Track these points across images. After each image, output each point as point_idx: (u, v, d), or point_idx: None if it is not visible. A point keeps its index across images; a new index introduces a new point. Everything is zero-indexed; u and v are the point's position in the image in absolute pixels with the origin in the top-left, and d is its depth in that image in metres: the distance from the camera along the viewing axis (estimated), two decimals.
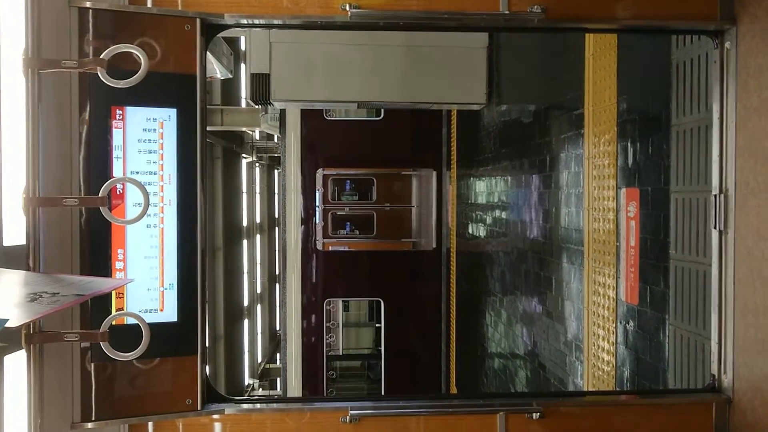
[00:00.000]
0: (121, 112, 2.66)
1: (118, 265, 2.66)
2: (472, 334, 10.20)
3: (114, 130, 2.65)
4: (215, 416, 2.89)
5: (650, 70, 4.63)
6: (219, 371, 18.18)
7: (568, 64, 6.03)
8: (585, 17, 3.03)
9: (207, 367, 2.88)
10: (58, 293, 1.99)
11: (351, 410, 2.91)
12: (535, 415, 2.94)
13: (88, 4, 2.59)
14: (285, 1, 2.89)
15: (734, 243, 2.94)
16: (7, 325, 1.71)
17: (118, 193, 2.62)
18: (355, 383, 16.77)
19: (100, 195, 2.34)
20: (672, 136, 4.24)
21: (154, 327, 2.36)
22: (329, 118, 12.36)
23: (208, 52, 2.94)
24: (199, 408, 2.81)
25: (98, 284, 2.22)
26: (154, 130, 2.70)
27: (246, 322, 22.04)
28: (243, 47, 14.79)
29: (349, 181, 13.88)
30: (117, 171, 2.64)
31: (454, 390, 11.76)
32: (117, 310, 2.64)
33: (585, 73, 5.63)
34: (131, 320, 2.46)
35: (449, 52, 9.26)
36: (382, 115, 12.43)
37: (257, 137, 21.38)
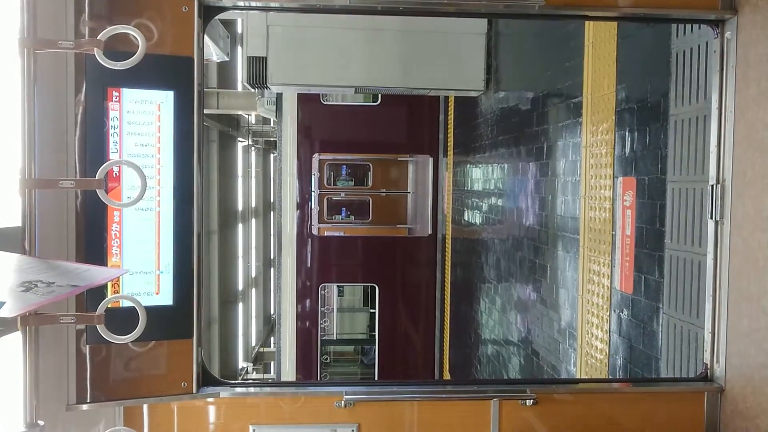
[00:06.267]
0: (117, 93, 2.63)
1: (114, 248, 2.65)
2: (467, 320, 10.25)
3: (110, 111, 2.63)
4: (210, 399, 2.90)
5: (650, 59, 4.61)
6: (213, 354, 18.24)
7: (568, 52, 6.01)
8: (585, 4, 3.02)
9: (202, 351, 2.88)
10: (54, 283, 1.98)
11: (346, 395, 2.92)
12: (529, 402, 2.95)
13: None
14: None
15: (730, 233, 2.95)
16: (2, 315, 1.71)
17: (114, 175, 2.60)
18: (348, 368, 16.85)
19: (96, 177, 2.33)
20: (670, 126, 4.23)
21: (150, 310, 2.36)
22: (326, 103, 12.31)
23: (205, 35, 2.91)
24: (194, 391, 2.82)
25: (94, 274, 2.21)
26: (151, 112, 2.69)
27: (240, 305, 22.09)
28: (240, 30, 14.69)
29: (345, 167, 13.86)
30: (113, 153, 2.63)
31: (447, 376, 11.83)
32: (113, 293, 2.63)
33: (584, 61, 5.62)
34: (127, 303, 2.45)
35: (448, 37, 9.22)
36: (379, 101, 12.38)
37: (253, 121, 21.30)
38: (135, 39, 2.33)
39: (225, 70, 18.13)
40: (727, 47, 2.99)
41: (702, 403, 3.02)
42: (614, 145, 5.04)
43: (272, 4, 2.96)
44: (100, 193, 2.33)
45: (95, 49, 2.31)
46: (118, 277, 2.67)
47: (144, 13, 2.66)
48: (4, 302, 1.71)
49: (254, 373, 22.21)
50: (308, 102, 12.08)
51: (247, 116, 20.53)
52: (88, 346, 2.63)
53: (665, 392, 3.11)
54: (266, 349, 23.78)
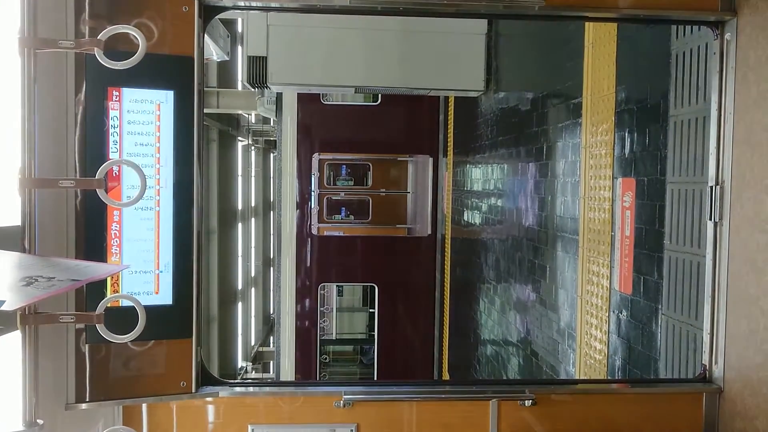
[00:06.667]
0: (117, 93, 2.64)
1: (114, 247, 2.65)
2: (466, 320, 10.25)
3: (110, 111, 2.63)
4: (209, 399, 2.90)
5: (649, 60, 4.62)
6: (212, 353, 18.24)
7: (568, 53, 6.01)
8: (585, 5, 3.02)
9: (201, 350, 2.89)
10: (54, 278, 1.98)
11: (345, 395, 2.92)
12: (528, 402, 2.96)
13: None
14: None
15: (729, 234, 2.95)
16: (3, 309, 1.70)
17: (114, 175, 2.60)
18: (347, 368, 16.86)
19: (96, 177, 2.33)
20: (670, 127, 4.24)
21: (149, 309, 2.36)
22: (326, 103, 12.31)
23: (205, 34, 2.91)
24: (193, 391, 2.82)
25: (94, 270, 2.21)
26: (151, 112, 2.69)
27: (240, 305, 22.09)
28: (240, 29, 14.69)
29: (345, 166, 13.86)
30: (113, 153, 2.63)
31: (446, 376, 11.83)
32: (112, 293, 2.64)
33: (584, 62, 5.62)
34: (126, 302, 2.46)
35: (448, 38, 9.22)
36: (379, 101, 12.38)
37: (253, 120, 21.30)
38: (135, 39, 2.33)
39: (225, 70, 18.13)
40: (726, 49, 2.99)
41: (701, 404, 3.03)
42: (614, 146, 5.04)
43: (272, 4, 2.96)
44: (100, 192, 2.33)
45: (95, 48, 2.31)
46: (118, 277, 2.67)
47: (144, 12, 2.66)
48: (4, 301, 1.71)
49: (253, 372, 22.21)
50: (308, 102, 12.08)
51: (247, 116, 20.53)
52: (87, 346, 2.63)
53: (664, 393, 3.11)
54: (265, 349, 23.78)
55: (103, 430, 2.75)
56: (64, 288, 1.99)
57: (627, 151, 4.85)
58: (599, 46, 5.34)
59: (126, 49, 2.42)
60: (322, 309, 12.91)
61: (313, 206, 12.67)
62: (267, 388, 3.07)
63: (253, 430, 2.94)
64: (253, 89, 11.23)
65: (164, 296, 2.75)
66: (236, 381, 3.11)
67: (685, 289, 4.03)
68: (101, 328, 2.28)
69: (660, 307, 4.34)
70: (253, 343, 23.96)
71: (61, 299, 2.54)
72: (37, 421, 2.19)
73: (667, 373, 4.24)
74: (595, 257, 5.33)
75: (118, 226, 2.66)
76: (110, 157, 2.61)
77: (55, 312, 2.29)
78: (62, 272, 2.07)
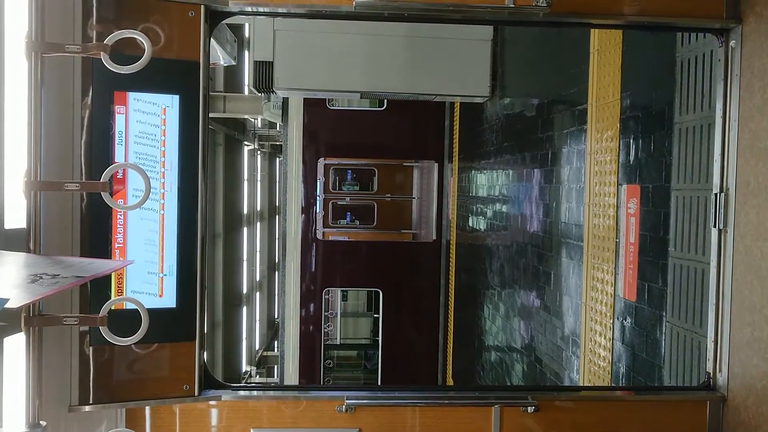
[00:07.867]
0: (123, 97, 2.65)
1: (118, 250, 2.66)
2: (470, 326, 10.23)
3: (116, 115, 2.65)
4: (212, 402, 2.91)
5: (655, 67, 4.61)
6: (217, 357, 18.25)
7: (573, 59, 6.01)
8: (590, 12, 3.03)
9: (204, 354, 2.89)
10: (59, 275, 2.00)
11: (347, 400, 2.93)
12: (530, 409, 2.95)
13: None
14: None
15: (733, 242, 2.95)
16: (7, 306, 1.71)
17: (119, 178, 2.62)
18: (351, 373, 16.85)
19: (101, 180, 2.34)
20: (674, 134, 4.23)
21: (153, 312, 2.37)
22: (332, 108, 12.34)
23: (211, 39, 2.93)
24: (196, 394, 2.83)
25: (98, 266, 2.23)
26: (157, 115, 2.70)
27: (244, 309, 22.10)
28: (247, 34, 14.76)
29: (350, 171, 13.88)
30: (119, 156, 2.64)
31: (450, 382, 11.80)
32: (116, 295, 2.65)
33: (589, 69, 5.62)
34: (130, 305, 2.47)
35: (453, 43, 9.23)
36: (384, 106, 12.40)
37: (259, 125, 21.36)
38: (141, 43, 2.35)
39: (232, 74, 18.20)
40: (731, 56, 2.99)
41: (704, 412, 3.01)
42: (618, 153, 5.04)
43: (279, 10, 2.97)
44: (105, 195, 2.35)
45: (102, 53, 2.33)
46: (122, 279, 2.68)
47: (150, 17, 2.68)
48: (7, 299, 1.72)
49: (257, 376, 22.21)
50: (314, 106, 12.11)
51: (253, 120, 20.60)
52: (91, 348, 2.64)
53: (667, 401, 3.10)
54: (270, 353, 23.78)
55: None
56: (68, 284, 2.00)
57: (632, 157, 4.84)
58: (604, 52, 5.34)
59: (132, 53, 2.43)
60: (326, 314, 12.91)
61: (318, 211, 12.68)
62: (270, 392, 3.08)
63: None
64: (259, 94, 11.28)
65: (168, 299, 2.76)
66: (239, 384, 3.12)
67: (689, 296, 4.02)
68: (105, 331, 2.29)
69: (664, 314, 4.33)
70: (257, 348, 23.97)
71: (65, 301, 2.55)
72: (40, 422, 2.20)
73: (671, 380, 4.22)
74: (600, 264, 5.32)
75: (122, 229, 2.67)
76: (115, 161, 2.62)
77: (58, 314, 2.31)
78: (66, 269, 2.08)
